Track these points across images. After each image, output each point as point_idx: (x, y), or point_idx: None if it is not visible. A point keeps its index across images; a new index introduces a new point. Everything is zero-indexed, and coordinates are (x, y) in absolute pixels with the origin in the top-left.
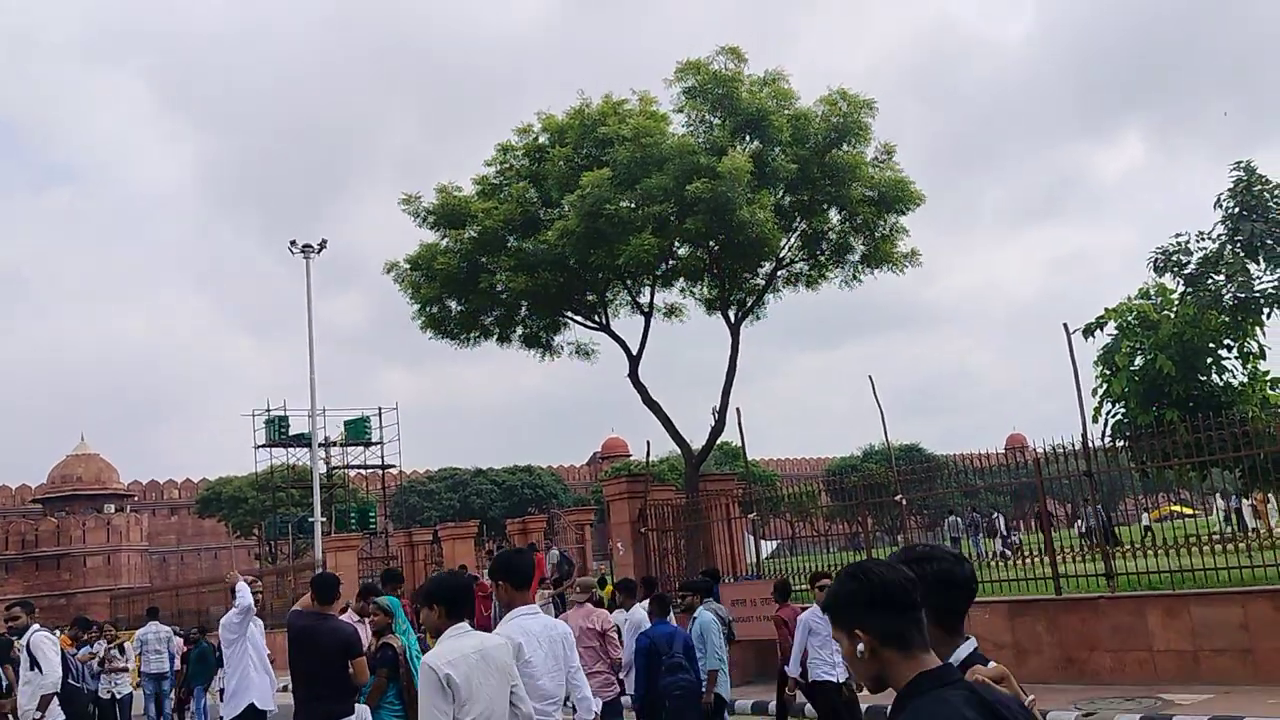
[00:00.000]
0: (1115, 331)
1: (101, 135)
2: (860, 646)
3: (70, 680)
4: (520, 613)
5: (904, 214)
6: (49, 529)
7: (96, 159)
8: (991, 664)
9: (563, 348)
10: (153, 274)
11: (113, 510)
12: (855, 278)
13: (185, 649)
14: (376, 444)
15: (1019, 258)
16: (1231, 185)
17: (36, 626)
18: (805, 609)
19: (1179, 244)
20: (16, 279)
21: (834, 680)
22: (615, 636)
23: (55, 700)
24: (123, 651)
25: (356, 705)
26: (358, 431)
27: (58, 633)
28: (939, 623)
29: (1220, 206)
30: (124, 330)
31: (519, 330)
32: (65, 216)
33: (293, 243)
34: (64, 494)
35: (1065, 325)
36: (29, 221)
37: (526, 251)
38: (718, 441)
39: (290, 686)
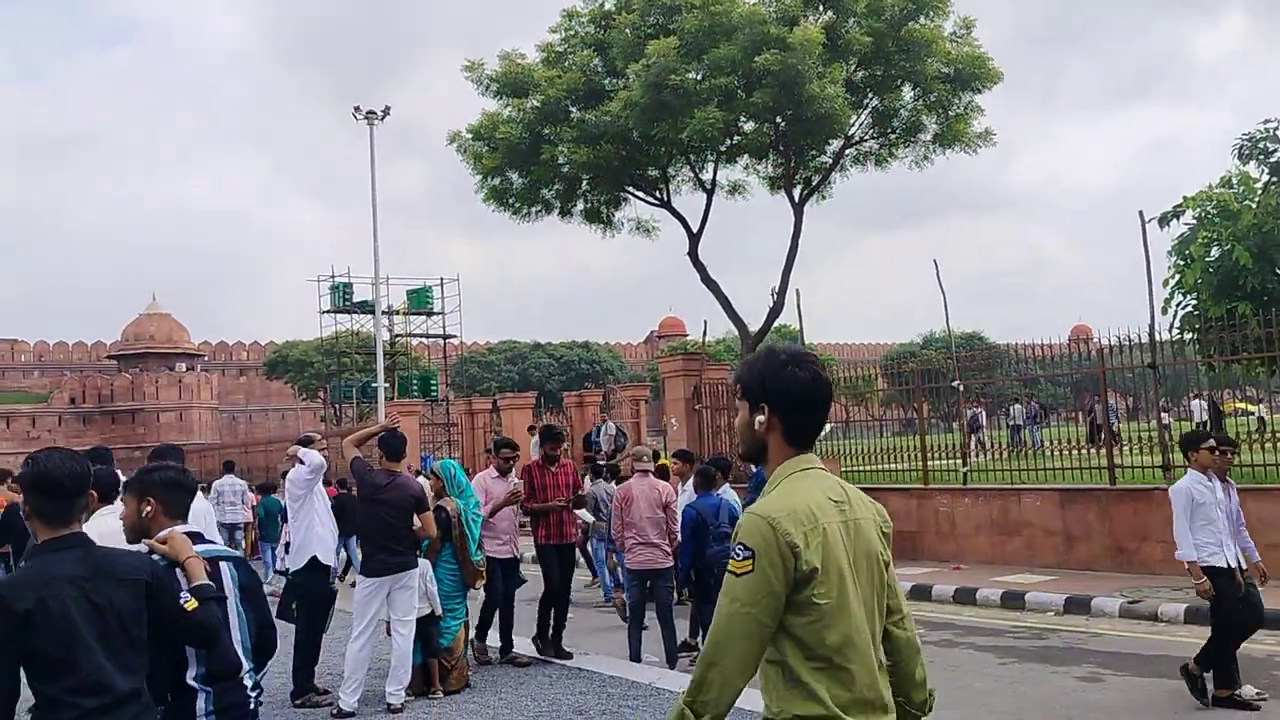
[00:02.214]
0: (1193, 221)
1: None
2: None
3: None
4: (103, 516)
5: (980, 92)
6: (124, 385)
7: (160, 14)
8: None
9: (623, 224)
10: (217, 135)
11: (184, 369)
12: (926, 158)
13: (256, 499)
14: (438, 314)
15: (1103, 141)
16: None
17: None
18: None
19: (1267, 131)
20: (88, 138)
21: (1223, 565)
22: (675, 510)
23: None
24: None
25: (420, 559)
26: (420, 301)
27: None
28: (167, 513)
29: None
30: (190, 191)
31: (579, 205)
32: (129, 75)
33: (356, 109)
34: (137, 351)
35: (1141, 213)
36: (94, 81)
37: (589, 123)
38: (775, 323)
39: (358, 539)
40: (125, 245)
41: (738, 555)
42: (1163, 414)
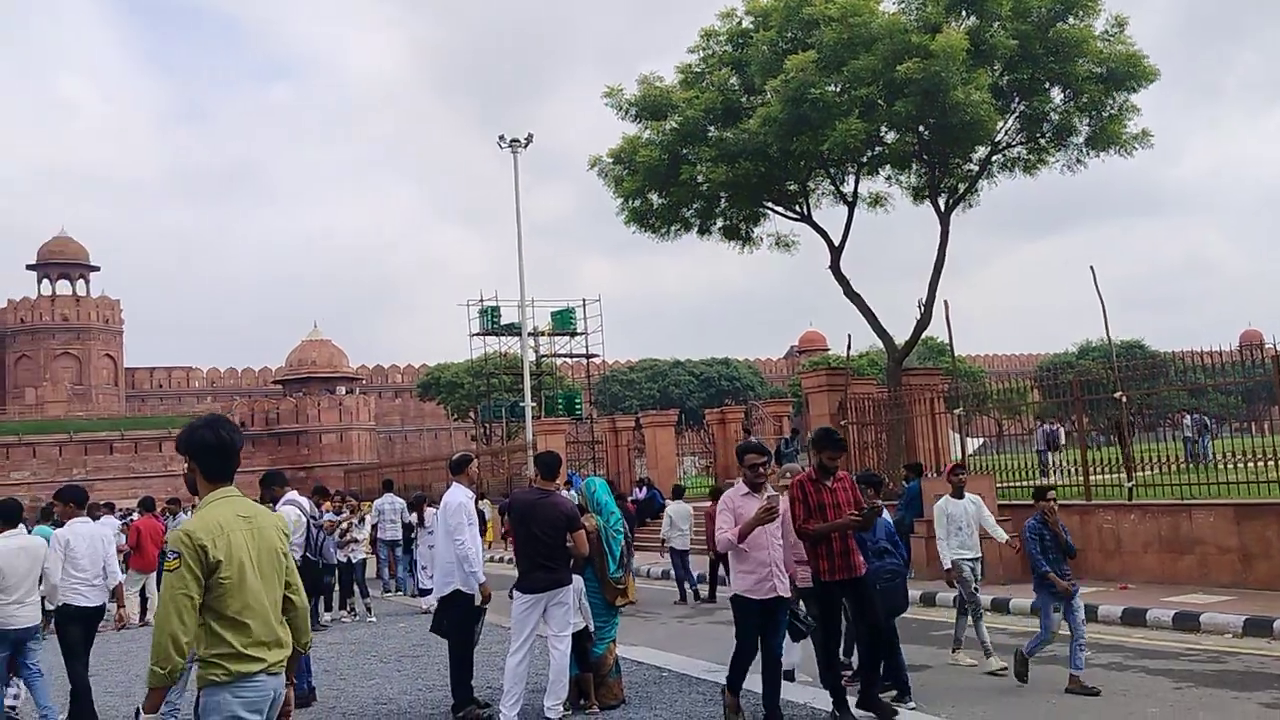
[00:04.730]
0: None
1: (319, 26)
2: None
3: (309, 554)
4: (75, 523)
5: (1135, 91)
6: (289, 408)
7: (315, 49)
8: None
9: (762, 239)
10: (370, 164)
11: (344, 392)
12: (1078, 161)
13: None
14: (581, 334)
15: (1272, 135)
16: None
17: (288, 497)
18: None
19: None
20: (250, 172)
21: None
22: None
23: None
24: (362, 522)
25: (574, 576)
26: (564, 322)
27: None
28: None
29: None
30: (346, 220)
31: (719, 222)
32: (287, 109)
33: (501, 137)
34: (301, 376)
35: None
36: (254, 116)
37: (727, 141)
38: (922, 336)
39: (512, 557)
40: (286, 273)
41: (170, 558)
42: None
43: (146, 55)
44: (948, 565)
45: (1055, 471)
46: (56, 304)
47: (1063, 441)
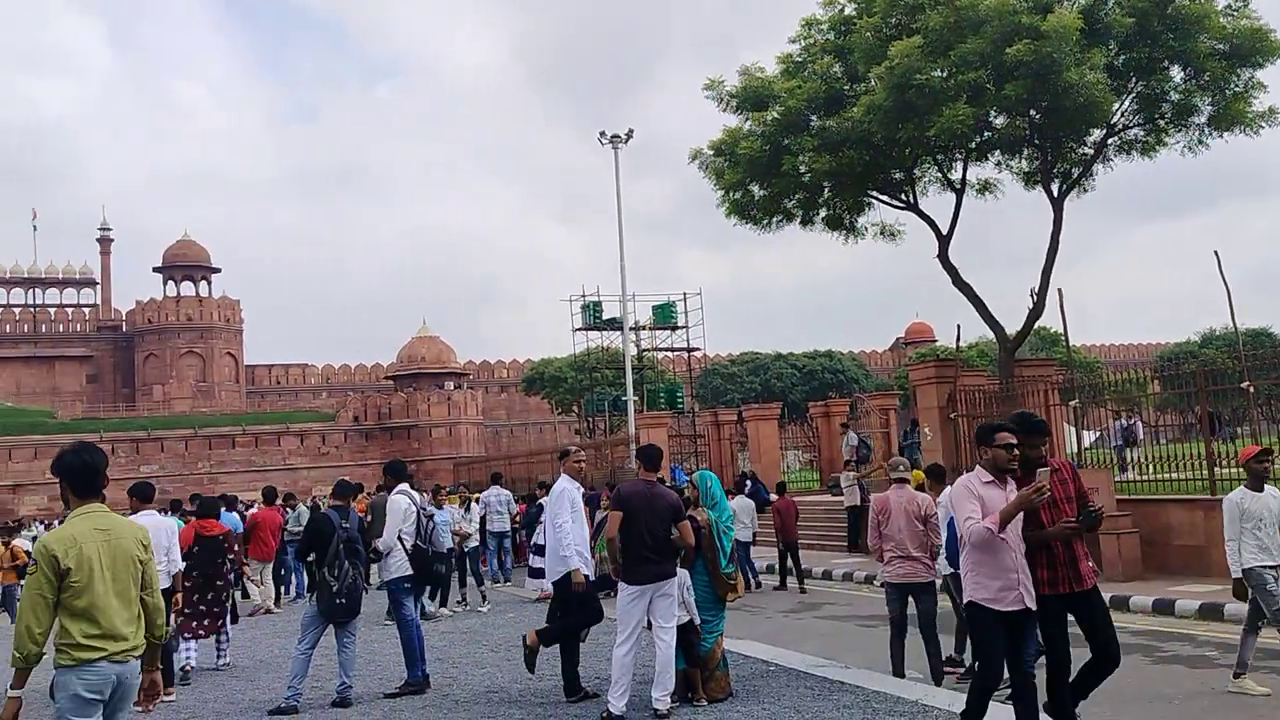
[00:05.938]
0: None
1: (419, 27)
2: None
3: (419, 542)
4: (141, 515)
5: (1261, 67)
6: (400, 403)
7: (419, 49)
8: None
9: (866, 229)
10: (472, 162)
11: (452, 387)
12: (1200, 142)
13: (521, 510)
14: (682, 328)
15: None
16: None
17: (399, 488)
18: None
19: None
20: (360, 170)
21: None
22: (936, 522)
23: (402, 557)
24: (469, 510)
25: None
26: (664, 315)
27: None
28: None
29: None
30: (449, 218)
31: (821, 212)
32: (393, 109)
33: (602, 133)
34: (411, 372)
35: None
36: (363, 115)
37: (830, 130)
38: (1035, 325)
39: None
40: (395, 270)
41: (31, 564)
42: None
43: (256, 59)
44: (1237, 573)
45: (1133, 467)
46: (181, 305)
47: (1141, 436)
